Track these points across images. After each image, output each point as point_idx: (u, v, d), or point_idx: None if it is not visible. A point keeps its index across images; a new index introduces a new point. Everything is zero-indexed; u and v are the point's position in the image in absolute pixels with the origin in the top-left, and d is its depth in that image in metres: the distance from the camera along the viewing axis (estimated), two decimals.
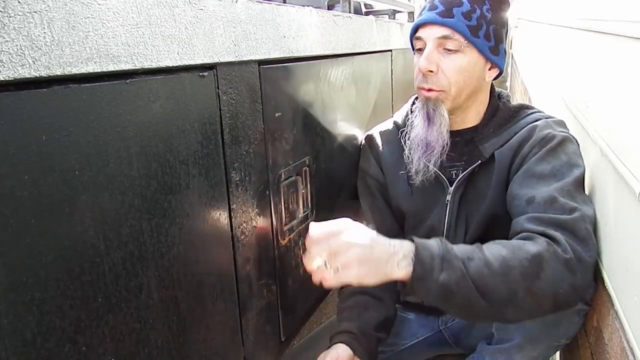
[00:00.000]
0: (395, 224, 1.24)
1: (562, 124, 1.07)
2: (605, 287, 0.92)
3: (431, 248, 0.84)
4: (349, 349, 1.04)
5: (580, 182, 0.96)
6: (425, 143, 1.08)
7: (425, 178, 1.11)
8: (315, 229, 0.85)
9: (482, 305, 0.83)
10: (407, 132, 1.14)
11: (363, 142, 1.29)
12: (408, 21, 2.50)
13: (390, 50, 1.74)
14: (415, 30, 1.08)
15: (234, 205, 0.85)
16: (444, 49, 1.03)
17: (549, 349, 1.03)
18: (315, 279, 0.86)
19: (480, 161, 1.08)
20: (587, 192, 1.11)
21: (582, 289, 0.86)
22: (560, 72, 1.84)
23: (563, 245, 0.85)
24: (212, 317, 0.81)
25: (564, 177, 0.95)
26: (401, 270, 0.83)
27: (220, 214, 0.82)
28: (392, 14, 2.42)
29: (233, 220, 0.85)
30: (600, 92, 1.11)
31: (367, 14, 2.32)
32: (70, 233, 0.54)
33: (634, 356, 0.74)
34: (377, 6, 2.35)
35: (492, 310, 0.84)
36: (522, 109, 1.13)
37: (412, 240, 0.86)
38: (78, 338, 0.56)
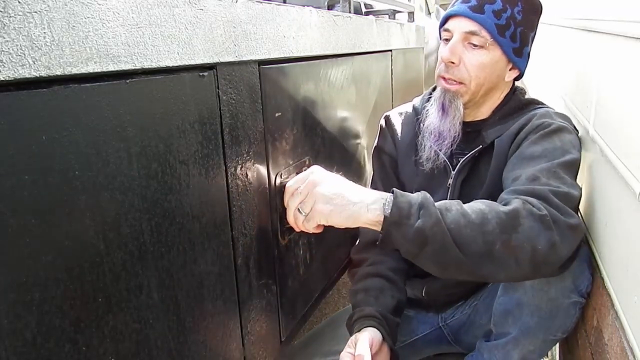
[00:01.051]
0: None
1: (564, 117, 1.08)
2: (605, 287, 0.92)
3: (410, 197, 0.87)
4: (378, 332, 1.04)
5: (569, 166, 0.95)
6: (437, 132, 1.11)
7: (435, 165, 1.14)
8: (289, 181, 0.93)
9: (458, 256, 0.82)
10: (421, 120, 1.16)
11: (382, 121, 1.32)
12: (408, 21, 2.49)
13: (390, 50, 1.74)
14: (445, 20, 1.10)
15: (234, 205, 0.85)
16: (469, 43, 1.06)
17: (546, 342, 1.03)
18: (295, 228, 0.93)
19: (481, 147, 1.10)
20: (587, 192, 1.11)
21: (561, 249, 0.84)
22: (560, 72, 1.84)
23: (537, 205, 0.85)
24: (212, 317, 0.81)
25: (555, 158, 0.95)
26: (370, 212, 0.85)
27: (220, 214, 0.82)
28: (392, 14, 2.42)
29: (233, 220, 0.85)
30: (600, 92, 1.11)
31: (367, 14, 2.31)
32: (70, 233, 0.54)
33: (634, 356, 0.74)
34: (377, 6, 2.35)
35: (468, 262, 0.83)
36: (532, 103, 1.14)
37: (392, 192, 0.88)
38: (78, 338, 0.56)
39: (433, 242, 0.83)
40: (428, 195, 0.88)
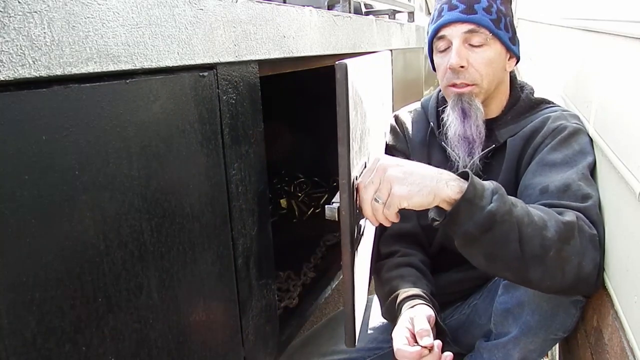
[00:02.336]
0: None
1: (576, 117, 1.09)
2: (605, 287, 0.92)
3: (483, 182, 0.85)
4: (431, 309, 1.00)
5: (591, 169, 0.98)
6: (464, 138, 1.10)
7: (469, 168, 1.12)
8: (360, 181, 0.86)
9: (516, 250, 0.83)
10: (443, 133, 1.15)
11: (392, 120, 1.32)
12: (408, 21, 2.49)
13: (390, 50, 1.74)
14: (436, 32, 1.10)
15: (234, 205, 0.85)
16: (469, 44, 1.06)
17: (546, 341, 1.03)
18: (376, 221, 0.86)
19: (494, 145, 1.10)
20: None
21: (599, 270, 0.88)
22: (560, 72, 1.84)
23: (588, 223, 0.88)
24: (212, 317, 0.81)
25: (577, 164, 0.97)
26: (450, 188, 0.83)
27: (220, 214, 0.81)
28: (392, 14, 2.42)
29: (233, 220, 0.85)
30: (600, 92, 1.11)
31: (367, 14, 2.31)
32: (70, 233, 0.54)
33: (634, 356, 0.74)
34: (377, 6, 2.35)
35: (521, 260, 0.84)
36: (543, 102, 1.15)
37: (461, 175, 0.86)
38: (78, 338, 0.56)
39: (499, 230, 0.82)
40: (500, 185, 0.87)
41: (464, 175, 0.86)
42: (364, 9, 2.30)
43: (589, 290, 0.91)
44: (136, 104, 0.63)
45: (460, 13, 1.05)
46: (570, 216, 0.87)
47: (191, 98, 0.73)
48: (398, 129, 1.28)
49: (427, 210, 0.93)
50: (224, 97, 0.81)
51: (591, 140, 1.05)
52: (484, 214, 0.82)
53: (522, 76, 3.95)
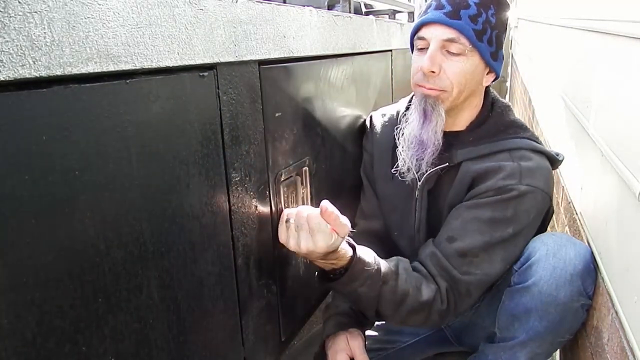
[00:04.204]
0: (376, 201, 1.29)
1: (538, 168, 1.03)
2: (605, 287, 0.92)
3: (365, 263, 0.99)
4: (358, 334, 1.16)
5: (506, 242, 1.02)
6: (419, 141, 1.07)
7: (414, 175, 1.11)
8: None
9: (371, 313, 1.05)
10: (401, 129, 1.13)
11: (367, 119, 1.33)
12: (408, 21, 2.50)
13: (390, 50, 1.74)
14: (418, 28, 1.07)
15: (234, 205, 0.85)
16: (447, 51, 1.02)
17: (554, 345, 1.03)
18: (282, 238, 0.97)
19: (447, 164, 1.08)
20: (587, 192, 1.11)
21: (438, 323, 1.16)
22: (560, 72, 1.84)
23: (443, 296, 1.03)
24: (212, 317, 0.81)
25: (495, 233, 1.01)
26: (329, 266, 0.99)
27: (220, 214, 0.81)
28: (392, 14, 2.42)
29: (233, 220, 0.85)
30: (601, 92, 1.11)
31: (367, 14, 2.31)
32: (70, 233, 0.54)
33: (634, 356, 0.74)
34: (377, 6, 2.35)
35: (372, 315, 1.06)
36: (511, 127, 1.10)
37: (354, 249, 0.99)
38: (78, 338, 0.56)
39: (362, 303, 1.05)
40: (380, 261, 1.03)
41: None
42: (364, 9, 2.30)
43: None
44: (136, 104, 0.63)
45: (444, 15, 1.01)
46: (429, 293, 1.02)
47: (191, 98, 0.73)
48: (369, 130, 1.30)
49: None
50: (224, 97, 0.81)
51: (550, 199, 1.04)
52: (352, 293, 1.01)
53: (522, 75, 3.95)
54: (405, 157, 1.10)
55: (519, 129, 1.10)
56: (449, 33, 1.01)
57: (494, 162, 1.04)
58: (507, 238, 1.01)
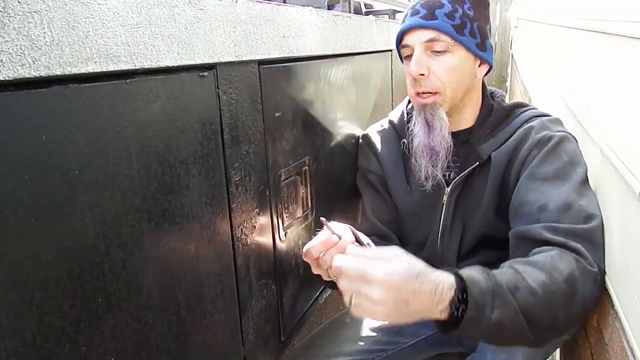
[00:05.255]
0: (396, 216, 1.25)
1: (557, 122, 1.07)
2: (605, 287, 0.92)
3: (479, 282, 0.76)
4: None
5: (585, 180, 0.96)
6: (429, 149, 1.08)
7: (433, 181, 1.11)
8: (345, 261, 0.75)
9: (527, 336, 0.79)
10: (408, 142, 1.14)
11: (360, 141, 1.30)
12: None
13: (390, 50, 1.74)
14: (400, 38, 1.08)
15: (234, 205, 0.85)
16: (432, 51, 1.03)
17: (552, 344, 1.03)
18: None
19: (478, 162, 1.08)
20: None
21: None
22: (560, 72, 1.84)
23: (589, 259, 0.85)
24: (212, 317, 0.81)
25: (570, 178, 0.95)
26: (442, 314, 0.74)
27: (220, 214, 0.81)
28: (392, 14, 2.42)
29: (233, 220, 0.85)
30: (601, 92, 1.11)
31: (367, 14, 2.31)
32: (70, 233, 0.54)
33: (634, 356, 0.74)
34: (377, 6, 2.35)
35: (532, 338, 0.80)
36: (517, 107, 1.13)
37: (454, 273, 0.77)
38: (78, 338, 0.56)
39: (509, 332, 0.78)
40: (491, 272, 0.79)
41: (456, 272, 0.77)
42: (364, 9, 2.30)
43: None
44: (136, 104, 0.63)
45: (420, 19, 1.03)
46: (568, 264, 0.83)
47: (191, 98, 0.73)
48: (368, 150, 1.26)
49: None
50: (224, 97, 0.81)
51: (577, 143, 1.04)
52: (490, 326, 0.76)
53: (522, 76, 3.95)
54: (420, 167, 1.12)
55: (522, 107, 1.13)
56: (428, 34, 1.03)
57: (518, 135, 1.06)
58: (584, 176, 0.97)
